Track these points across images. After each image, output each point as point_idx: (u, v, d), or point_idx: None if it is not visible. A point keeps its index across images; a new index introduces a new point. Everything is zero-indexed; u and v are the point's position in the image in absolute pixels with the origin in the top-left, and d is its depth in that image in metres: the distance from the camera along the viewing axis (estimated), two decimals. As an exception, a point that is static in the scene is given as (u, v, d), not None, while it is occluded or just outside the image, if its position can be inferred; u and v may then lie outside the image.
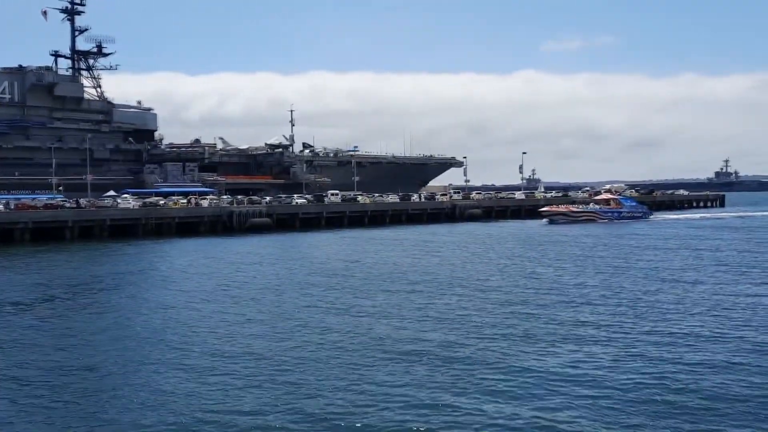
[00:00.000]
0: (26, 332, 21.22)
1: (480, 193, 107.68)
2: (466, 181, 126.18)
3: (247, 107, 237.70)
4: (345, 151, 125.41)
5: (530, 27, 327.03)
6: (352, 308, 24.41)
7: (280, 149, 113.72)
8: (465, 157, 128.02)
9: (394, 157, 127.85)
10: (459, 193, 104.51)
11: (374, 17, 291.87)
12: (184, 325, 22.00)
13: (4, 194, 75.72)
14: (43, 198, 72.35)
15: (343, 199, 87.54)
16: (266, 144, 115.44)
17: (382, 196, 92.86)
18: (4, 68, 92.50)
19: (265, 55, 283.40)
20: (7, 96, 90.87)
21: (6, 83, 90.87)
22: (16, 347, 19.25)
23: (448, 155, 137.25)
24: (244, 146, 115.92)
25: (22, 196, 74.04)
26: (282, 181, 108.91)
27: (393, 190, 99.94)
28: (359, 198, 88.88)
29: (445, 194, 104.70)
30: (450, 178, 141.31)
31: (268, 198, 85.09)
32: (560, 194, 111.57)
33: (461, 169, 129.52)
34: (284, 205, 79.56)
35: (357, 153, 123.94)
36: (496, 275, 33.11)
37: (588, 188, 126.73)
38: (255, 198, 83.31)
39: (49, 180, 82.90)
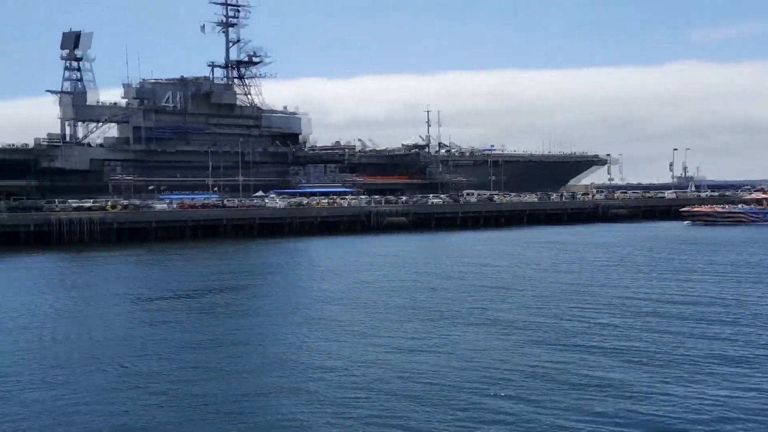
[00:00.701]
0: (200, 316, 23.48)
1: (626, 192, 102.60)
2: (610, 179, 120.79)
3: (386, 109, 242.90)
4: (481, 150, 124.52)
5: (680, 15, 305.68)
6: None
7: (417, 150, 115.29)
8: (608, 155, 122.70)
9: (531, 155, 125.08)
10: (602, 192, 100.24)
11: (515, 13, 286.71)
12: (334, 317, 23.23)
13: (168, 194, 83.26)
14: (200, 198, 78.80)
15: (480, 199, 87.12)
16: (403, 145, 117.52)
17: (519, 195, 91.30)
18: (168, 79, 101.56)
19: (403, 58, 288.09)
20: (171, 105, 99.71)
21: (170, 93, 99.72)
22: (192, 329, 21.39)
23: (590, 153, 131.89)
24: (382, 147, 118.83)
25: (183, 196, 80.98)
26: (418, 181, 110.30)
27: (531, 190, 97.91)
28: (495, 198, 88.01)
29: (587, 193, 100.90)
30: (594, 177, 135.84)
31: (404, 198, 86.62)
32: (716, 194, 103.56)
33: (605, 168, 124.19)
34: (420, 204, 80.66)
35: (493, 152, 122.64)
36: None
37: (748, 187, 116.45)
38: (392, 198, 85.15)
39: (206, 181, 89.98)
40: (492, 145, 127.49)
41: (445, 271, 36.25)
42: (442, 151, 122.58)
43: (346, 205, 76.43)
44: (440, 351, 18.60)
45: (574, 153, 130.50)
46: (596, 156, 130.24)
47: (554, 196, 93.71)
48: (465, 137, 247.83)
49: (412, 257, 44.32)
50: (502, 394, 14.81)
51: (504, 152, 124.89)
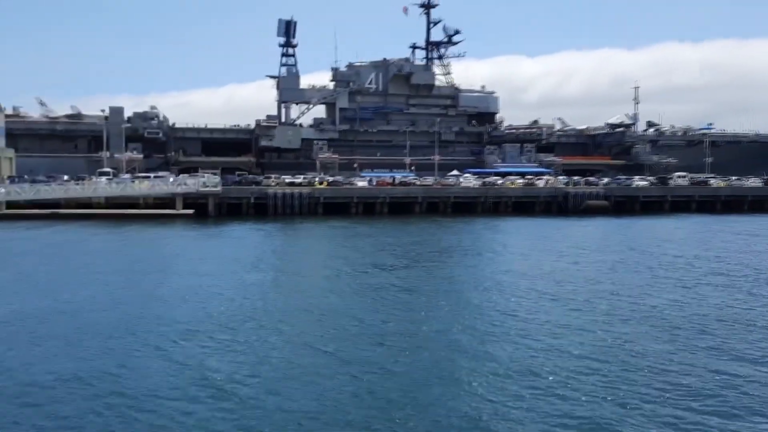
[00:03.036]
0: (393, 289, 24.60)
1: None
2: None
3: (587, 86, 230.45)
4: (696, 129, 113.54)
5: None
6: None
7: (622, 128, 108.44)
8: None
9: (757, 135, 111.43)
10: None
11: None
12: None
13: (368, 172, 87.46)
14: (398, 176, 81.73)
15: (692, 182, 79.87)
16: (606, 123, 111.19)
17: (740, 179, 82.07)
18: (372, 62, 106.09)
19: (608, 30, 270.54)
20: (373, 86, 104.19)
21: (373, 75, 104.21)
22: (388, 302, 22.50)
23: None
24: (582, 126, 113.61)
25: (382, 174, 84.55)
26: (621, 162, 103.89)
27: (755, 173, 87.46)
28: (711, 181, 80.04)
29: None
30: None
31: (605, 179, 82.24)
32: None
33: None
34: (623, 187, 76.01)
35: (711, 131, 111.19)
36: None
37: None
38: (592, 179, 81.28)
39: (404, 160, 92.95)
40: (710, 124, 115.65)
41: (661, 262, 33.73)
42: (651, 130, 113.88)
43: (542, 186, 74.48)
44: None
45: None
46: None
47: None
48: (672, 115, 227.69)
49: (615, 242, 42.04)
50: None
51: (724, 131, 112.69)
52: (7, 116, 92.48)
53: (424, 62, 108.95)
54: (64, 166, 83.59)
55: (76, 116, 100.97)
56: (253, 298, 22.32)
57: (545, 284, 25.63)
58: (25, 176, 75.27)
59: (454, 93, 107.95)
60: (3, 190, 57.36)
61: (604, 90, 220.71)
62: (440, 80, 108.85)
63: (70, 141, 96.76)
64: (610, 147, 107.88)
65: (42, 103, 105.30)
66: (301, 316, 20.04)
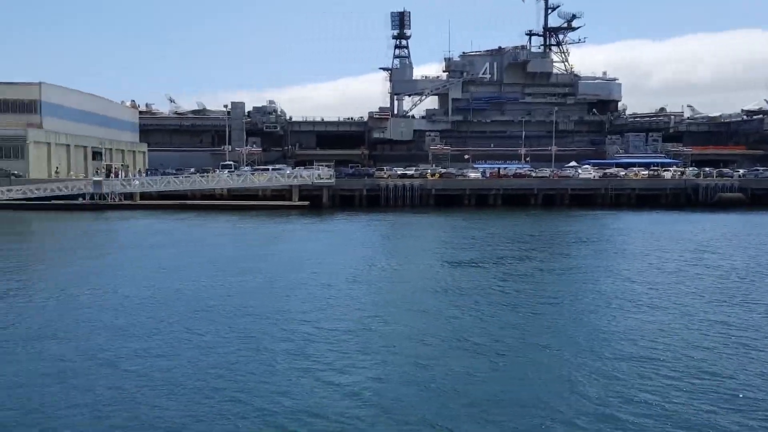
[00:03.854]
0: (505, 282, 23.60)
1: None
2: None
3: (717, 71, 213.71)
4: None
5: None
6: None
7: (760, 116, 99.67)
8: None
9: None
10: None
11: None
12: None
13: (481, 163, 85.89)
14: (512, 167, 79.57)
15: None
16: (743, 110, 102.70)
17: None
18: (487, 50, 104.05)
19: (741, 9, 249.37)
20: (488, 75, 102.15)
21: (487, 64, 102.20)
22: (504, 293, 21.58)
23: None
24: (714, 114, 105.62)
25: (495, 165, 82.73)
26: (759, 151, 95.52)
27: None
28: None
29: None
30: None
31: (741, 171, 75.88)
32: None
33: None
34: (762, 179, 69.74)
35: None
36: None
37: None
38: (726, 170, 75.26)
39: (518, 151, 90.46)
40: None
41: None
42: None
43: (668, 178, 69.80)
44: None
45: None
46: None
47: None
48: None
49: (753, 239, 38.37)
50: None
51: None
52: (141, 113, 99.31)
53: (540, 50, 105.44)
54: (191, 159, 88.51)
55: (201, 112, 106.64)
56: (381, 290, 22.11)
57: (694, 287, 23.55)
58: (157, 169, 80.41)
59: (572, 81, 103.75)
60: (137, 182, 61.49)
61: (736, 74, 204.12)
62: (557, 68, 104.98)
63: (195, 135, 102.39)
64: (747, 135, 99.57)
65: (171, 100, 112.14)
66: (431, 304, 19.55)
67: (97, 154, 76.13)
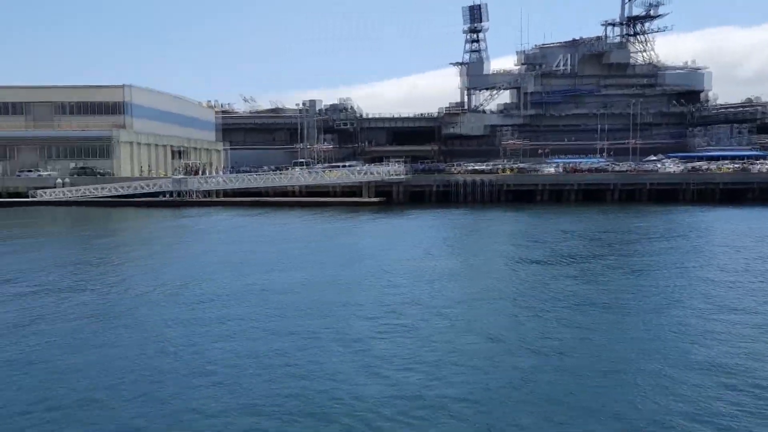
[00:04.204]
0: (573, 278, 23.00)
1: None
2: None
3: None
4: None
5: None
6: None
7: None
8: None
9: None
10: None
11: None
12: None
13: (557, 158, 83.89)
14: (587, 162, 77.24)
15: None
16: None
17: None
18: (561, 42, 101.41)
19: None
20: (562, 68, 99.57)
21: (561, 56, 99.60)
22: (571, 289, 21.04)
23: None
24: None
25: (571, 160, 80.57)
26: None
27: None
28: None
29: None
30: None
31: (841, 163, 70.87)
32: None
33: None
34: None
35: None
36: None
37: None
38: (822, 163, 70.49)
39: (595, 145, 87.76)
40: None
41: None
42: None
43: (756, 171, 66.02)
44: None
45: None
46: None
47: None
48: None
49: None
50: None
51: None
52: (218, 112, 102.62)
53: (618, 40, 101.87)
54: (266, 157, 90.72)
55: (276, 110, 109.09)
56: (457, 286, 22.04)
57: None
58: (236, 166, 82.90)
59: (653, 71, 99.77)
60: (220, 180, 63.78)
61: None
62: (636, 58, 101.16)
63: (269, 133, 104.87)
64: None
65: (246, 99, 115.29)
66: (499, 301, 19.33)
67: (178, 153, 79.27)
